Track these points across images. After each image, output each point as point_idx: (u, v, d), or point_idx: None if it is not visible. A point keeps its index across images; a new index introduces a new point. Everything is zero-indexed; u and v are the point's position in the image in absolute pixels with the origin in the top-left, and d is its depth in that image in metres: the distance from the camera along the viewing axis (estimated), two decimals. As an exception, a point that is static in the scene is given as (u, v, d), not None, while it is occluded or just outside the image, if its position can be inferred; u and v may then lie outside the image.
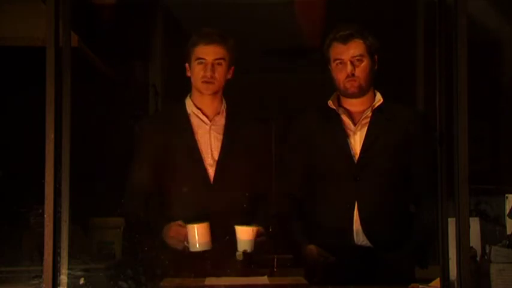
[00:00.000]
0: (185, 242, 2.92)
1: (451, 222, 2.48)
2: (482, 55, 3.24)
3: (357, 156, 3.04)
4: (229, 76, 3.09)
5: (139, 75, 4.82)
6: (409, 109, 3.30)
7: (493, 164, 4.80)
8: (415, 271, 3.03)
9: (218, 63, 3.04)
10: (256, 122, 3.28)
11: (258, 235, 2.90)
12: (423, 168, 3.02)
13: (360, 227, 3.00)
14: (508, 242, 2.73)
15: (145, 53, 4.78)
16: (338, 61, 3.05)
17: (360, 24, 3.10)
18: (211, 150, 3.07)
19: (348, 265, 2.96)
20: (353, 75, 3.03)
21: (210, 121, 3.11)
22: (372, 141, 3.05)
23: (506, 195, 2.92)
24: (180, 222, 2.96)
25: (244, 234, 2.87)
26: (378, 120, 3.07)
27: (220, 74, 3.05)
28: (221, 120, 3.12)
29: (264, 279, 2.74)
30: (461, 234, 2.33)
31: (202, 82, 3.05)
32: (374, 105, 3.09)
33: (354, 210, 3.01)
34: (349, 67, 3.03)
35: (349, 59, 3.03)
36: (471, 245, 2.63)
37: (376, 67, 3.10)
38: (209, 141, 3.08)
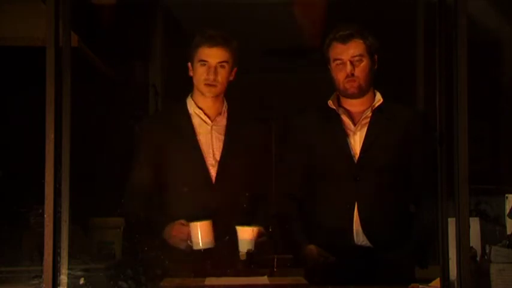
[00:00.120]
0: (188, 241, 2.92)
1: (451, 222, 2.48)
2: (482, 55, 3.24)
3: (356, 156, 3.04)
4: (231, 78, 3.10)
5: (139, 75, 4.82)
6: (409, 109, 3.30)
7: (493, 164, 4.80)
8: (415, 271, 3.03)
9: (221, 66, 3.04)
10: (257, 122, 3.29)
11: (259, 235, 2.90)
12: (423, 168, 3.02)
13: (359, 227, 3.00)
14: (508, 242, 2.73)
15: (145, 53, 4.78)
16: (338, 61, 3.05)
17: (359, 24, 3.10)
18: (213, 151, 3.08)
19: (348, 265, 2.96)
20: (352, 75, 3.03)
21: (212, 121, 3.11)
22: (371, 141, 3.05)
23: (506, 195, 2.92)
24: (182, 221, 2.96)
25: (246, 234, 2.87)
26: (378, 120, 3.07)
27: (223, 76, 3.06)
28: (222, 121, 3.12)
29: (264, 279, 2.74)
30: (461, 234, 2.33)
31: (205, 85, 3.06)
32: (374, 105, 3.09)
33: (353, 210, 3.01)
34: (348, 67, 3.03)
35: (348, 58, 3.03)
36: (471, 245, 2.62)
37: (375, 67, 3.10)
38: (211, 142, 3.09)
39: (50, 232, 2.30)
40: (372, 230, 3.00)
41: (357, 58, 3.03)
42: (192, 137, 3.08)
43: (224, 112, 3.13)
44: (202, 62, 3.05)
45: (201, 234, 2.89)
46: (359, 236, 3.01)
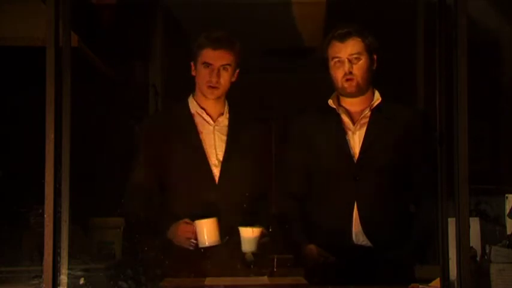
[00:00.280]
0: (193, 239, 2.92)
1: (451, 222, 2.48)
2: (482, 55, 3.24)
3: (356, 156, 3.04)
4: (233, 79, 3.10)
5: (139, 75, 4.82)
6: (409, 109, 3.30)
7: (493, 164, 4.80)
8: (415, 271, 3.03)
9: (224, 69, 3.05)
10: (258, 122, 3.29)
11: (261, 236, 2.90)
12: (423, 168, 3.02)
13: (359, 227, 3.00)
14: (508, 242, 2.73)
15: (145, 53, 4.78)
16: (336, 59, 3.05)
17: (359, 24, 3.10)
18: (216, 151, 3.08)
19: (348, 265, 2.96)
20: (350, 73, 3.03)
21: (214, 121, 3.11)
22: (371, 141, 3.05)
23: (506, 195, 2.92)
24: (187, 220, 2.96)
25: (249, 234, 2.88)
26: (377, 120, 3.07)
27: (226, 79, 3.06)
28: (224, 121, 3.13)
29: (264, 279, 2.74)
30: (461, 234, 2.33)
31: (208, 87, 3.06)
32: (372, 105, 3.09)
33: (353, 210, 3.01)
34: (346, 65, 3.03)
35: (346, 57, 3.03)
36: (471, 245, 2.62)
37: (375, 66, 3.10)
38: (213, 142, 3.09)
39: (50, 232, 2.30)
40: (372, 229, 3.00)
41: (355, 56, 3.03)
42: (195, 137, 3.09)
43: (226, 112, 3.14)
44: (205, 64, 3.05)
45: (206, 232, 2.90)
46: (359, 236, 3.01)
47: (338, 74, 3.05)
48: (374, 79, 3.11)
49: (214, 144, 3.09)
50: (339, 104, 3.12)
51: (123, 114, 4.04)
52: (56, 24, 2.37)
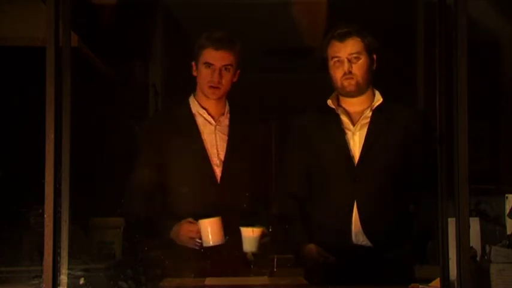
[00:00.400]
0: (197, 239, 2.93)
1: (451, 222, 2.48)
2: (482, 55, 3.24)
3: (356, 157, 3.04)
4: (234, 79, 3.10)
5: (139, 75, 4.83)
6: (409, 109, 3.29)
7: (493, 164, 4.80)
8: (415, 271, 3.03)
9: (226, 69, 3.05)
10: (258, 122, 3.30)
11: (262, 236, 2.90)
12: (423, 168, 3.02)
13: (359, 227, 3.00)
14: (508, 242, 2.73)
15: (145, 53, 4.79)
16: (335, 59, 3.05)
17: (359, 23, 3.10)
18: (218, 151, 3.08)
19: (348, 265, 2.96)
20: (350, 72, 3.03)
21: (215, 122, 3.11)
22: (372, 142, 3.04)
23: (506, 195, 2.92)
24: (190, 219, 2.96)
25: (250, 234, 2.88)
26: (378, 121, 3.07)
27: (227, 79, 3.07)
28: (225, 121, 3.13)
29: (264, 279, 2.74)
30: (461, 234, 2.33)
31: (209, 87, 3.06)
32: (373, 106, 3.09)
33: (353, 210, 3.00)
34: (346, 65, 3.03)
35: (346, 56, 3.03)
36: (471, 245, 2.63)
37: (374, 66, 3.09)
38: (215, 142, 3.09)
39: (50, 232, 2.30)
40: (372, 229, 3.00)
41: (354, 56, 3.03)
42: (197, 137, 3.09)
43: (227, 112, 3.14)
44: (207, 64, 3.06)
45: (210, 231, 2.90)
46: (358, 236, 3.01)
47: (337, 74, 3.05)
48: (374, 79, 3.11)
49: (216, 144, 3.09)
50: (338, 104, 3.12)
51: (123, 114, 4.04)
52: (56, 24, 2.36)
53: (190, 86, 3.16)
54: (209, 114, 3.12)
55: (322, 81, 3.15)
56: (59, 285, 2.41)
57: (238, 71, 3.11)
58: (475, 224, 2.81)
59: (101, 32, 4.26)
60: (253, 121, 3.27)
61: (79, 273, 2.67)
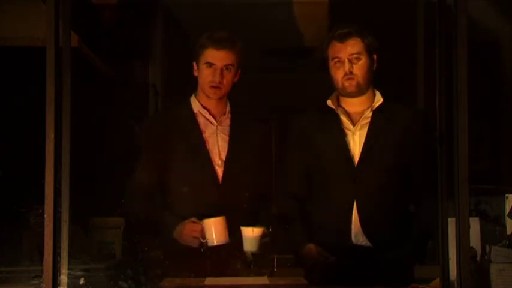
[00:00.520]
0: (201, 238, 2.93)
1: (451, 222, 2.48)
2: (482, 55, 3.24)
3: (356, 157, 3.04)
4: (235, 79, 3.10)
5: (139, 75, 4.83)
6: (409, 109, 3.29)
7: (493, 164, 4.80)
8: (415, 271, 3.03)
9: (227, 69, 3.05)
10: (259, 122, 3.31)
11: (263, 235, 2.91)
12: (423, 168, 3.02)
13: (359, 227, 3.00)
14: (508, 242, 2.73)
15: (145, 53, 4.79)
16: (336, 59, 3.05)
17: (359, 24, 3.10)
18: (219, 151, 3.08)
19: (348, 265, 2.96)
20: (351, 73, 3.03)
21: (217, 121, 3.12)
22: (372, 142, 3.04)
23: (506, 195, 2.93)
24: (193, 219, 2.96)
25: (250, 234, 2.88)
26: (378, 121, 3.07)
27: (228, 79, 3.07)
28: (226, 121, 3.13)
29: (264, 279, 2.74)
30: (461, 234, 2.33)
31: (211, 87, 3.06)
32: (374, 106, 3.08)
33: (352, 210, 3.00)
34: (346, 65, 3.03)
35: (346, 57, 3.03)
36: (471, 245, 2.63)
37: (375, 66, 3.09)
38: (216, 142, 3.10)
39: (50, 232, 2.30)
40: (372, 230, 3.00)
41: (355, 56, 3.03)
42: (198, 137, 3.09)
43: (228, 112, 3.14)
44: (208, 64, 3.06)
45: (215, 231, 2.90)
46: (358, 236, 3.00)
47: (338, 74, 3.05)
48: (374, 79, 3.11)
49: (217, 144, 3.09)
50: (338, 104, 3.12)
51: (123, 114, 4.04)
52: (56, 24, 2.37)
53: (190, 86, 3.16)
54: (210, 114, 3.12)
55: (322, 81, 3.15)
56: (59, 285, 2.42)
57: (239, 71, 3.11)
58: (475, 224, 2.81)
59: (101, 32, 4.26)
60: (255, 121, 3.26)
61: (79, 273, 2.67)
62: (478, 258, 2.78)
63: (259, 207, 3.09)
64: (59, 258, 2.48)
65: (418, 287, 2.67)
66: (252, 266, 2.88)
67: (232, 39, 3.08)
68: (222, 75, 3.05)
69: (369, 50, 3.06)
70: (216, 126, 3.11)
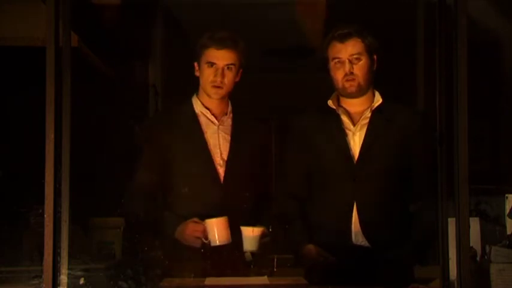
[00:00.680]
0: (203, 238, 2.93)
1: (451, 222, 2.48)
2: (482, 55, 3.24)
3: (356, 157, 3.04)
4: (237, 79, 3.10)
5: (139, 75, 4.83)
6: (409, 109, 3.29)
7: (493, 164, 4.80)
8: (415, 271, 3.03)
9: (228, 68, 3.05)
10: (260, 122, 3.31)
11: (262, 235, 2.91)
12: (423, 168, 3.02)
13: (359, 227, 3.00)
14: (508, 242, 2.74)
15: (145, 53, 4.79)
16: (336, 59, 3.05)
17: (359, 24, 3.10)
18: (220, 151, 3.09)
19: (348, 265, 2.96)
20: (351, 73, 3.02)
21: (218, 121, 3.12)
22: (371, 142, 3.04)
23: (506, 195, 2.93)
24: (195, 219, 2.96)
25: (250, 234, 2.88)
26: (378, 121, 3.07)
27: (230, 78, 3.06)
28: (228, 121, 3.13)
29: (264, 279, 2.74)
30: (461, 234, 2.33)
31: (212, 87, 3.06)
32: (373, 106, 3.08)
33: (352, 210, 3.00)
34: (347, 65, 3.03)
35: (347, 57, 3.03)
36: (471, 245, 2.63)
37: (375, 67, 3.09)
38: (218, 142, 3.10)
39: (50, 232, 2.30)
40: (371, 230, 3.00)
41: (355, 56, 3.03)
42: (200, 136, 3.09)
43: (229, 112, 3.14)
44: (209, 64, 3.05)
45: (217, 231, 2.90)
46: (358, 236, 3.00)
47: (338, 75, 3.05)
48: (374, 79, 3.11)
49: (219, 144, 3.09)
50: (338, 104, 3.12)
51: (123, 114, 4.04)
52: (56, 24, 2.37)
53: (190, 86, 3.16)
54: (212, 114, 3.12)
55: (322, 81, 3.15)
56: (59, 285, 2.42)
57: (241, 71, 3.11)
58: (475, 224, 2.82)
59: (101, 32, 4.25)
60: (256, 121, 3.27)
61: (79, 273, 2.67)
62: (478, 258, 2.78)
63: (261, 207, 3.09)
64: (59, 258, 2.49)
65: (418, 287, 2.67)
66: (252, 266, 2.89)
67: (234, 38, 3.08)
68: (223, 74, 3.05)
69: (369, 51, 3.06)
70: (218, 126, 3.11)
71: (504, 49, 4.87)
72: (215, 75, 3.04)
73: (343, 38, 3.04)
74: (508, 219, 2.86)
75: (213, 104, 3.12)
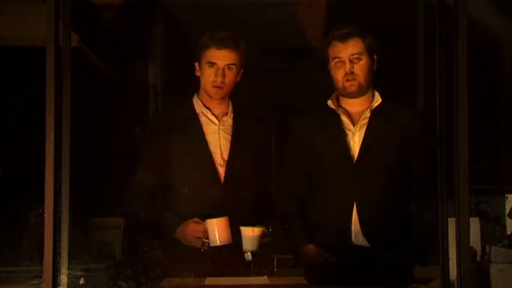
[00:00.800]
0: (203, 238, 2.93)
1: (451, 222, 2.48)
2: (482, 55, 3.24)
3: (355, 157, 3.04)
4: (237, 79, 3.10)
5: (139, 75, 4.82)
6: (409, 109, 3.29)
7: (493, 164, 4.80)
8: (414, 271, 3.03)
9: (229, 68, 3.05)
10: (261, 122, 3.31)
11: (262, 235, 2.91)
12: (423, 168, 3.02)
13: (359, 227, 3.00)
14: (508, 242, 2.74)
15: (145, 53, 4.78)
16: (337, 59, 3.05)
17: (359, 24, 3.10)
18: (221, 151, 3.09)
19: (348, 265, 2.96)
20: (352, 73, 3.03)
21: (219, 121, 3.12)
22: (370, 142, 3.04)
23: (506, 195, 2.93)
24: (196, 219, 2.96)
25: (250, 234, 2.88)
26: (377, 121, 3.07)
27: (230, 79, 3.07)
28: (228, 121, 3.14)
29: (264, 279, 2.74)
30: (461, 234, 2.33)
31: (213, 87, 3.06)
32: (372, 106, 3.09)
33: (352, 210, 3.00)
34: (347, 65, 3.03)
35: (347, 57, 3.03)
36: (471, 245, 2.63)
37: (375, 67, 3.10)
38: (218, 142, 3.10)
39: (50, 232, 2.30)
40: (371, 230, 3.00)
41: (356, 56, 3.03)
42: (201, 136, 3.09)
43: (230, 112, 3.14)
44: (210, 64, 3.06)
45: (218, 231, 2.90)
46: (358, 236, 3.00)
47: (339, 75, 3.05)
48: (374, 79, 3.11)
49: (219, 144, 3.10)
50: (338, 104, 3.12)
51: (123, 114, 4.04)
52: (56, 24, 2.37)
53: (190, 86, 3.16)
54: (213, 114, 3.12)
55: (322, 81, 3.15)
56: (59, 285, 2.42)
57: (242, 71, 3.11)
58: (475, 224, 2.82)
59: (101, 32, 4.25)
60: (256, 121, 3.27)
61: (79, 273, 2.68)
62: (478, 258, 2.78)
63: (262, 207, 3.09)
64: (59, 258, 2.49)
65: (418, 287, 2.67)
66: (252, 266, 2.89)
67: (235, 38, 3.08)
68: (224, 74, 3.05)
69: (370, 50, 3.06)
70: (218, 126, 3.12)
71: (504, 49, 4.87)
72: (216, 75, 3.05)
73: (343, 38, 3.04)
74: (508, 219, 2.86)
75: (214, 104, 3.12)
